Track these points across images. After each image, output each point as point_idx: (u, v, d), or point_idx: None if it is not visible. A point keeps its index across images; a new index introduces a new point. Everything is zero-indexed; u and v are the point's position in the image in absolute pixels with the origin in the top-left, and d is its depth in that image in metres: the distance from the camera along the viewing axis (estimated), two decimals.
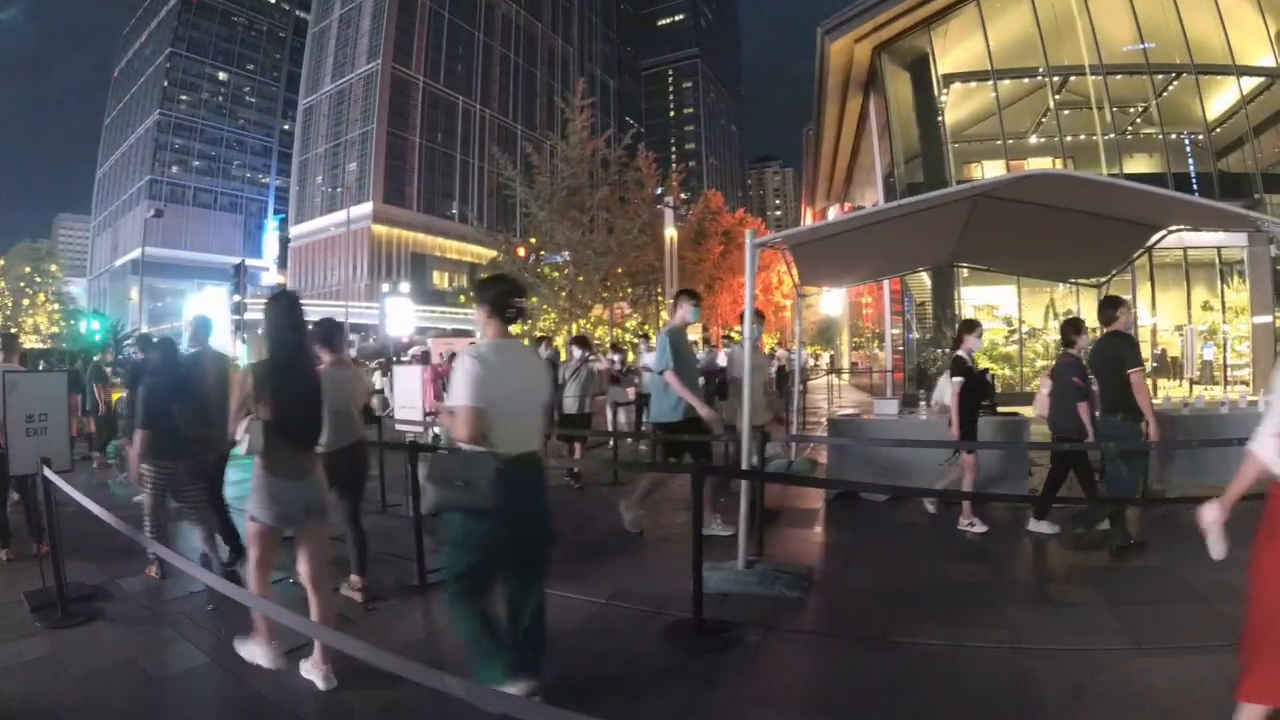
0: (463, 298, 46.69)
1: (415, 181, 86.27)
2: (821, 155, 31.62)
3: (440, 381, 10.97)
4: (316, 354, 5.22)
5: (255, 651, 4.52)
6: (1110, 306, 7.43)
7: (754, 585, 5.87)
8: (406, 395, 10.86)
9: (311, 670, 4.34)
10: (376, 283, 73.55)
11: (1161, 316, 23.77)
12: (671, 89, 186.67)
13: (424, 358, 18.87)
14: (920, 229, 8.64)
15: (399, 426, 10.99)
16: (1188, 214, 8.15)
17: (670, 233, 31.52)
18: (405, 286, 63.63)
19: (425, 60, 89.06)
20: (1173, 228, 8.24)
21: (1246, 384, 20.83)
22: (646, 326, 32.77)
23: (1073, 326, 7.87)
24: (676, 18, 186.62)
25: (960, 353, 8.26)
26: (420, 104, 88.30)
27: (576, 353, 12.11)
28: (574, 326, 29.61)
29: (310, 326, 4.90)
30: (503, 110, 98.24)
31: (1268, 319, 20.95)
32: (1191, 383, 21.44)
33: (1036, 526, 7.61)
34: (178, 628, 5.25)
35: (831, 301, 23.35)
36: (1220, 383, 21.14)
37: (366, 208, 79.78)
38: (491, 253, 36.13)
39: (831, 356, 49.40)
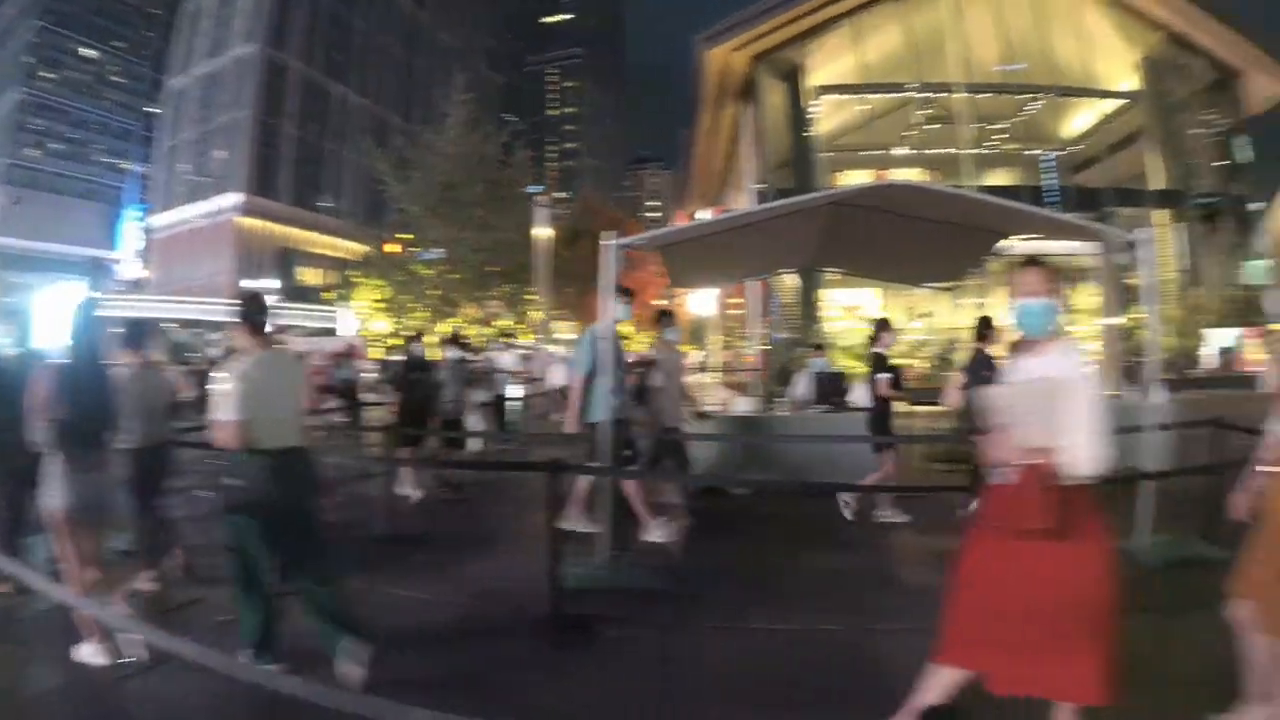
0: (329, 295, 45.23)
1: (287, 172, 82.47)
2: (696, 159, 31.94)
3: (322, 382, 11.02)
4: (113, 355, 5.31)
5: (86, 652, 4.44)
6: (985, 326, 8.21)
7: (616, 579, 5.93)
8: None
9: (91, 652, 4.40)
10: (242, 278, 70.70)
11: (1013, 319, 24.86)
12: (555, 87, 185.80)
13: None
14: (784, 233, 8.85)
15: None
16: (1029, 224, 8.71)
17: (544, 231, 31.22)
18: (272, 282, 61.30)
19: (303, 45, 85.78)
20: (1018, 236, 8.74)
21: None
22: (517, 326, 32.20)
23: (986, 324, 8.35)
24: (564, 16, 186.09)
25: (878, 350, 8.62)
26: (295, 91, 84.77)
27: (451, 353, 11.38)
28: (447, 324, 29.10)
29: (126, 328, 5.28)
30: (381, 101, 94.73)
31: (1116, 321, 22.35)
32: None
33: (964, 513, 7.89)
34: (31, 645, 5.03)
35: (703, 302, 23.62)
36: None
37: (234, 198, 75.77)
38: (363, 248, 35.20)
39: (702, 355, 50.00)
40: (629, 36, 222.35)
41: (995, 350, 7.98)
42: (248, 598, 4.32)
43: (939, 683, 3.35)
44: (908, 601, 5.39)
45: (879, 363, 8.49)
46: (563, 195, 53.89)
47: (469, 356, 12.07)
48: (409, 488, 9.55)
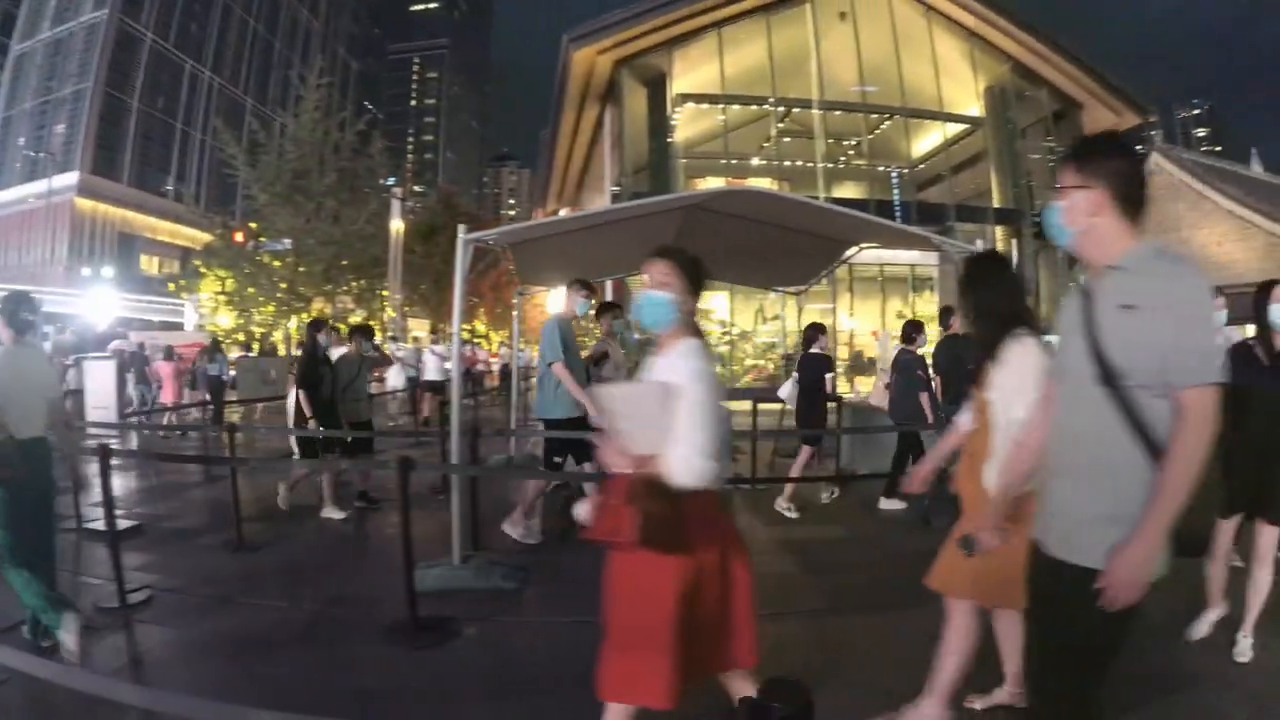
0: (172, 285, 42.51)
1: (130, 151, 76.76)
2: (556, 159, 31.84)
3: (183, 378, 10.09)
4: None
5: None
6: (948, 314, 8.73)
7: (470, 579, 5.88)
8: (100, 394, 10.16)
9: None
10: (78, 265, 65.26)
11: (860, 322, 26.84)
12: (416, 78, 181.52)
13: (137, 354, 17.74)
14: (636, 235, 8.71)
15: (91, 430, 10.03)
16: (875, 233, 9.11)
17: (397, 224, 30.43)
18: (109, 270, 57.30)
19: (157, 15, 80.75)
20: (862, 244, 9.12)
21: (935, 380, 23.38)
22: (370, 324, 30.67)
23: (914, 326, 9.11)
24: (430, 5, 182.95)
25: (816, 350, 9.36)
26: (145, 64, 79.64)
27: (363, 346, 9.75)
28: (296, 319, 27.79)
29: None
30: (234, 80, 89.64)
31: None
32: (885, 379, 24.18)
33: (887, 504, 8.64)
34: None
35: (558, 301, 23.51)
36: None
37: (71, 177, 70.66)
38: (207, 236, 33.21)
39: None
40: (496, 32, 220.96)
41: (923, 351, 8.99)
42: (16, 572, 4.45)
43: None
44: (762, 589, 5.60)
45: (824, 363, 9.38)
46: (420, 190, 52.44)
47: (376, 350, 10.95)
48: (332, 509, 8.38)
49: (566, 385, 7.13)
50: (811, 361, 9.40)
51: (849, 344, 25.77)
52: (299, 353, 11.35)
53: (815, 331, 9.58)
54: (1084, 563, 2.23)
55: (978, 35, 27.60)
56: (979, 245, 8.71)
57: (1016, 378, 3.24)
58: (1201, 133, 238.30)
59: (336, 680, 4.38)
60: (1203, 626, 4.60)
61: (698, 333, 3.04)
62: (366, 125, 28.68)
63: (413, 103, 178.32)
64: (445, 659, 4.66)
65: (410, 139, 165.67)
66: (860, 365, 26.42)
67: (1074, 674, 2.33)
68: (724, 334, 24.93)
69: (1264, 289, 4.35)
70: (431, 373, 17.02)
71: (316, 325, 9.37)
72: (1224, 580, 4.58)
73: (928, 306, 25.11)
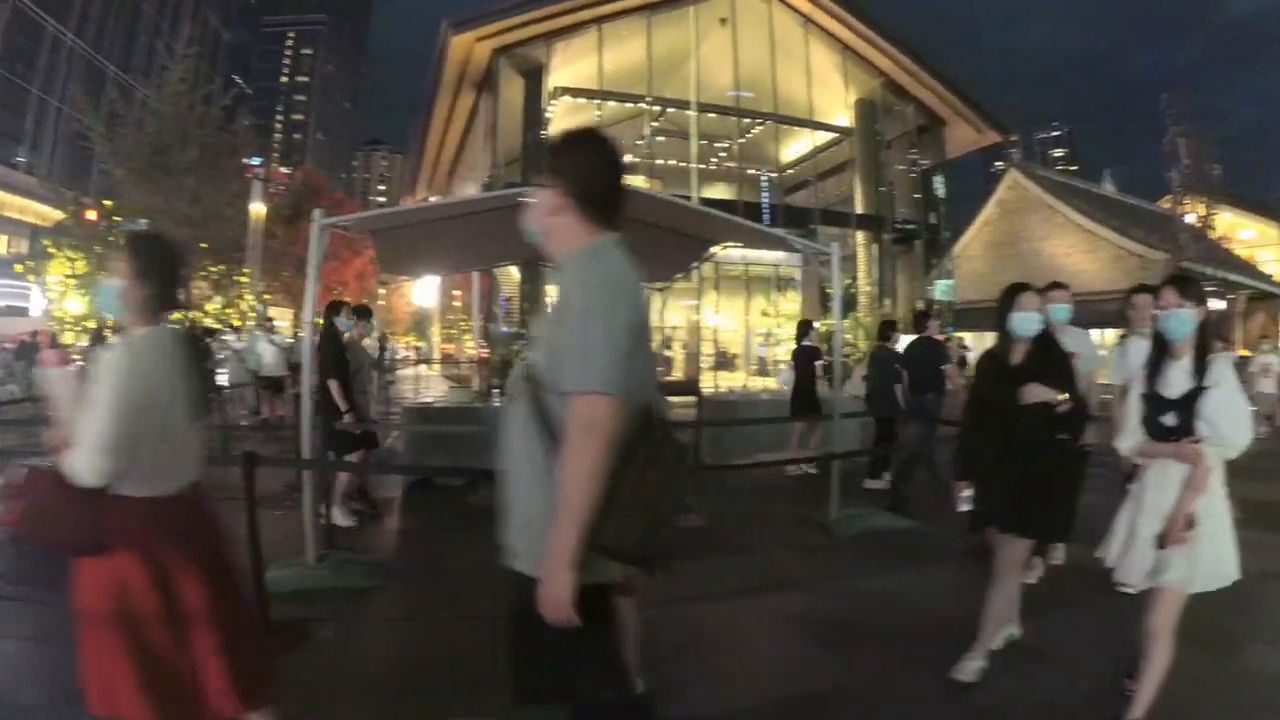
0: (19, 267, 38.87)
1: None
2: (427, 146, 31.34)
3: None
4: None
5: None
6: (923, 317, 9.81)
7: (326, 579, 5.76)
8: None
9: None
10: None
11: (724, 319, 27.93)
12: (290, 53, 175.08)
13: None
14: (501, 225, 8.73)
15: None
16: (736, 234, 9.36)
17: (258, 207, 28.92)
18: None
19: None
20: (723, 243, 9.37)
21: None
22: (227, 312, 28.68)
23: (890, 326, 10.43)
24: None
25: (807, 343, 11.17)
26: (3, 23, 74.27)
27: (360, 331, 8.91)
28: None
29: None
30: (98, 46, 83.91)
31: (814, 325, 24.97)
32: (747, 374, 26.24)
33: (871, 483, 9.59)
34: None
35: (424, 291, 22.96)
36: (771, 375, 24.40)
37: None
38: (59, 214, 30.95)
39: (418, 348, 48.13)
40: (376, 12, 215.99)
41: (896, 346, 9.95)
42: None
43: None
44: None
45: (814, 353, 11.11)
46: (286, 170, 50.50)
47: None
48: (341, 515, 7.54)
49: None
50: (804, 353, 11.11)
51: (713, 340, 26.26)
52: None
53: (806, 327, 11.58)
54: (523, 570, 2.25)
55: (852, 49, 28.48)
56: (835, 248, 9.00)
57: None
58: (1059, 153, 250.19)
59: None
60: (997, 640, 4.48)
61: (155, 322, 2.80)
62: (233, 100, 27.38)
63: (284, 79, 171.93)
64: (299, 663, 4.38)
65: (279, 117, 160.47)
66: (724, 361, 27.10)
67: (545, 679, 2.37)
68: None
69: (1009, 294, 4.38)
70: (269, 367, 14.61)
71: (335, 307, 8.39)
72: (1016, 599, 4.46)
73: (790, 305, 25.90)
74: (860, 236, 29.06)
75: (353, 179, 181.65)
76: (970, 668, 4.22)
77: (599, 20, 25.05)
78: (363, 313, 8.88)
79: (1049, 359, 4.30)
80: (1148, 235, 32.61)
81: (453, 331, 40.12)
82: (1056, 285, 5.73)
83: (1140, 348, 4.07)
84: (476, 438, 8.93)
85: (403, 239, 8.53)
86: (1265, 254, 45.96)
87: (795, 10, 27.56)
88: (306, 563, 5.87)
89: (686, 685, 4.13)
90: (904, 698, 4.09)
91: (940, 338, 10.68)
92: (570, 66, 25.09)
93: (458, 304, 27.86)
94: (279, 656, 3.03)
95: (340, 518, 7.49)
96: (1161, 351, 3.64)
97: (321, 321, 8.16)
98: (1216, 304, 33.55)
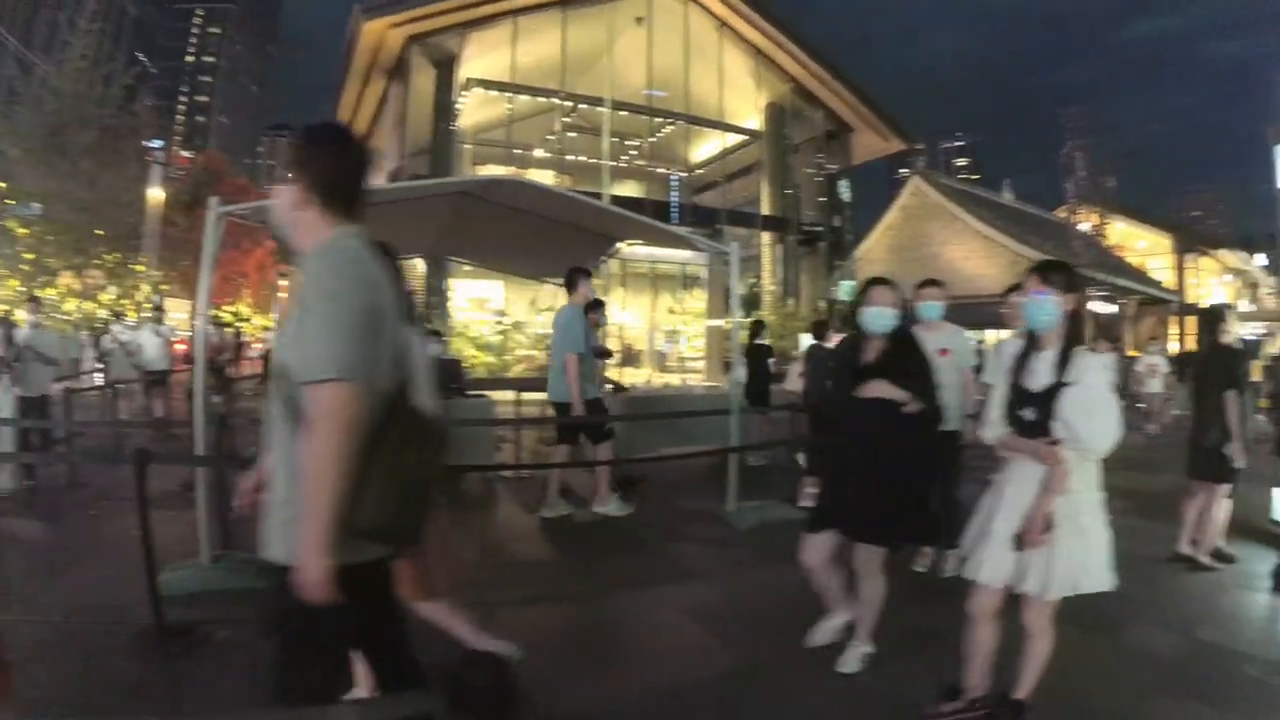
0: None
1: None
2: None
3: None
4: None
5: None
6: (822, 326, 10.24)
7: (222, 580, 5.57)
8: None
9: None
10: None
11: (631, 316, 27.92)
12: (197, 31, 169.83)
13: None
14: (408, 218, 8.75)
15: None
16: (639, 231, 9.54)
17: (156, 192, 27.88)
18: None
19: None
20: (626, 240, 9.54)
21: (700, 373, 26.07)
22: (123, 303, 27.07)
23: (823, 325, 10.39)
24: None
25: (760, 341, 11.99)
26: None
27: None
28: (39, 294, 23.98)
29: None
30: (3, 18, 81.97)
31: (719, 323, 25.02)
32: (652, 370, 26.73)
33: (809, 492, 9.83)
34: None
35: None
36: (676, 371, 24.69)
37: None
38: None
39: None
40: None
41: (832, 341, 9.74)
42: None
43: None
44: (521, 575, 5.98)
45: (766, 351, 11.72)
46: (188, 155, 48.91)
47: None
48: None
49: (570, 376, 7.46)
50: (757, 350, 11.73)
51: (619, 337, 26.48)
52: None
53: (759, 326, 12.45)
54: (278, 558, 2.26)
55: (764, 54, 28.93)
56: (734, 248, 9.22)
57: None
58: (962, 162, 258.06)
59: (72, 697, 4.05)
60: (825, 633, 4.55)
61: None
62: (135, 79, 26.29)
63: (190, 58, 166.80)
64: (193, 667, 4.40)
65: (183, 98, 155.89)
66: (630, 357, 27.37)
67: (310, 665, 2.37)
68: (498, 323, 25.07)
69: (862, 289, 4.32)
70: (151, 360, 13.53)
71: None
72: (839, 587, 4.46)
73: (696, 303, 26.22)
74: (766, 237, 29.65)
75: (257, 165, 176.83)
76: (853, 657, 4.29)
77: (515, 13, 24.90)
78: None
79: (902, 356, 4.16)
80: (1043, 242, 33.81)
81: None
82: (930, 283, 6.05)
83: (1014, 344, 3.81)
84: None
85: None
86: (1156, 262, 48.31)
87: (710, 13, 27.88)
88: (201, 564, 5.74)
89: (582, 676, 4.24)
90: (793, 683, 4.20)
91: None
92: (484, 58, 24.88)
93: None
94: None
95: None
96: (1030, 343, 3.52)
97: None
98: (1108, 308, 35.14)
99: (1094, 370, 3.33)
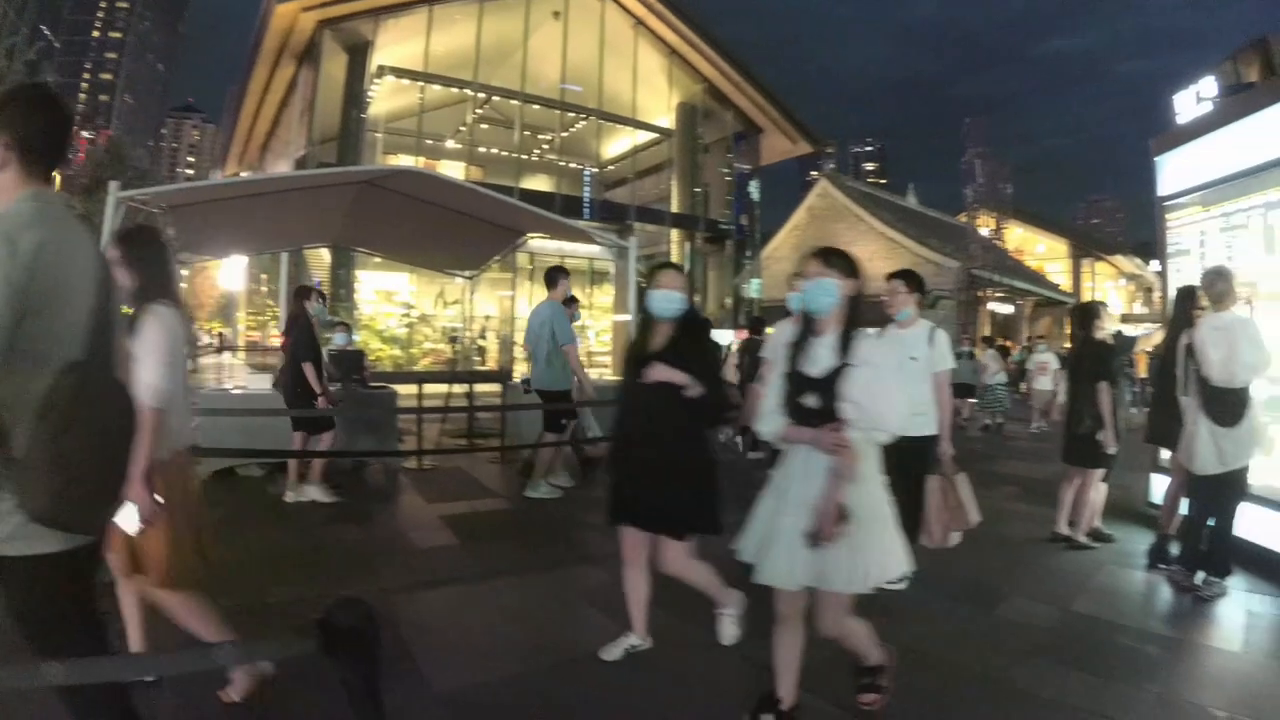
0: None
1: None
2: (241, 117, 29.76)
3: None
4: None
5: None
6: (760, 323, 11.39)
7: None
8: None
9: None
10: None
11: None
12: (105, 5, 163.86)
13: None
14: (311, 207, 8.86)
15: None
16: (541, 225, 9.78)
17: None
18: None
19: None
20: (529, 234, 9.76)
21: (608, 367, 26.10)
22: None
23: (759, 320, 11.52)
24: None
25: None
26: None
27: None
28: None
29: None
30: None
31: (626, 317, 25.70)
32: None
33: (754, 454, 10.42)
34: None
35: (232, 274, 21.49)
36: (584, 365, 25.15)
37: None
38: None
39: (222, 334, 44.99)
40: None
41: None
42: None
43: None
44: (411, 566, 6.00)
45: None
46: (88, 135, 47.08)
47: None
48: (319, 493, 7.88)
49: (574, 365, 8.33)
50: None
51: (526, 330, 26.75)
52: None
53: (707, 324, 11.75)
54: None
55: (678, 54, 29.24)
56: (632, 243, 9.52)
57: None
58: (871, 166, 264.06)
59: None
60: (615, 650, 4.31)
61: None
62: (38, 54, 25.47)
63: (96, 33, 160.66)
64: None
65: (86, 75, 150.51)
66: None
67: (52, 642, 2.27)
68: (405, 316, 24.91)
69: (650, 273, 4.21)
70: None
71: (305, 292, 8.31)
72: (644, 602, 4.33)
73: (605, 298, 26.47)
74: (675, 234, 30.10)
75: (160, 148, 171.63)
76: (616, 648, 4.27)
77: (431, 1, 24.70)
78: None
79: (689, 342, 4.04)
80: (944, 245, 35.02)
81: (261, 317, 37.39)
82: (899, 275, 6.04)
83: (789, 331, 3.72)
84: (277, 427, 8.78)
85: (207, 217, 8.22)
86: (1054, 266, 50.33)
87: (627, 11, 28.05)
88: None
89: (473, 657, 4.35)
90: (691, 661, 4.36)
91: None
92: (397, 46, 24.54)
93: (265, 288, 26.68)
94: None
95: (319, 494, 7.83)
96: (808, 327, 3.40)
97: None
98: (1005, 308, 36.50)
99: (879, 351, 3.28)
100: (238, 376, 13.12)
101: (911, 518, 4.99)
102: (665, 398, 3.93)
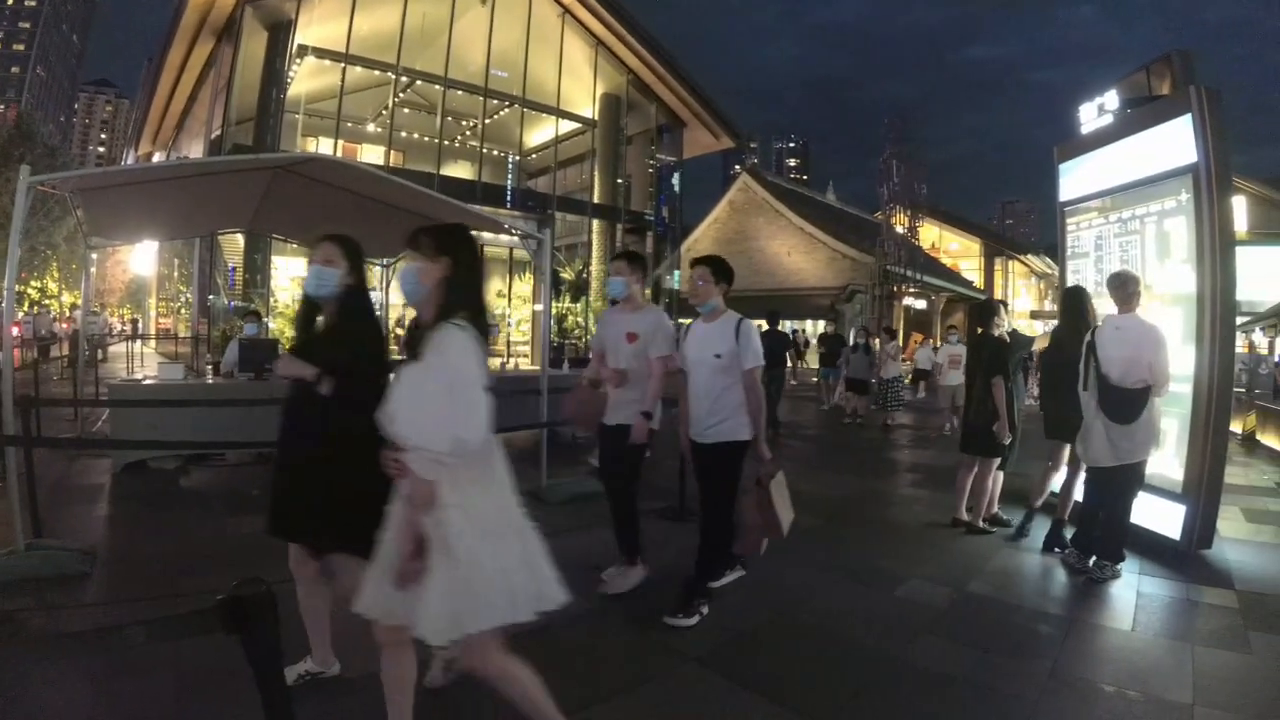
0: None
1: None
2: (157, 95, 28.62)
3: None
4: None
5: None
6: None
7: (36, 568, 5.36)
8: None
9: None
10: None
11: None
12: None
13: None
14: (223, 192, 8.76)
15: None
16: (452, 214, 9.77)
17: None
18: None
19: None
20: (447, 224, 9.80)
21: (526, 356, 26.50)
22: None
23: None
24: None
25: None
26: None
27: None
28: None
29: None
30: None
31: (547, 307, 26.13)
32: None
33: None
34: None
35: (143, 259, 20.93)
36: (501, 356, 25.12)
37: None
38: None
39: (135, 321, 43.49)
40: None
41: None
42: None
43: None
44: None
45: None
46: None
47: None
48: None
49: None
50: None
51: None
52: None
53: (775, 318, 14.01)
54: None
55: (604, 44, 29.42)
56: (546, 234, 9.66)
57: None
58: (793, 163, 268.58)
59: None
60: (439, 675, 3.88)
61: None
62: None
63: (9, 0, 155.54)
64: (8, 658, 4.08)
65: None
66: None
67: None
68: None
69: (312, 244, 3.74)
70: None
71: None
72: (317, 614, 3.89)
73: (524, 287, 26.51)
74: (596, 225, 30.23)
75: (72, 124, 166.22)
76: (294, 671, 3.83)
77: None
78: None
79: (341, 326, 3.57)
80: (859, 241, 35.84)
81: (173, 304, 36.11)
82: (622, 256, 5.71)
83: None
84: (190, 418, 8.69)
85: (118, 201, 8.07)
86: (968, 263, 51.93)
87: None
88: (17, 550, 5.50)
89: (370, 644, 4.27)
90: (599, 640, 4.56)
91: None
92: (320, 25, 24.02)
93: (178, 274, 26.13)
94: None
95: None
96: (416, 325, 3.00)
97: None
98: (918, 303, 37.55)
99: (442, 350, 2.68)
100: (149, 365, 12.92)
101: (724, 525, 5.03)
102: (305, 395, 3.47)
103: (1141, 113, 7.56)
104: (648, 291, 30.39)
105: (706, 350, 5.00)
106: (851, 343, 16.79)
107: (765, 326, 13.28)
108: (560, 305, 27.47)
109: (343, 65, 24.56)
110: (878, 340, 16.91)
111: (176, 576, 5.35)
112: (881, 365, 15.83)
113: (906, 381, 16.38)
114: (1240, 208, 26.96)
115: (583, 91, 29.87)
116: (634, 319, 5.45)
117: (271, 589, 1.99)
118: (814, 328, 33.15)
